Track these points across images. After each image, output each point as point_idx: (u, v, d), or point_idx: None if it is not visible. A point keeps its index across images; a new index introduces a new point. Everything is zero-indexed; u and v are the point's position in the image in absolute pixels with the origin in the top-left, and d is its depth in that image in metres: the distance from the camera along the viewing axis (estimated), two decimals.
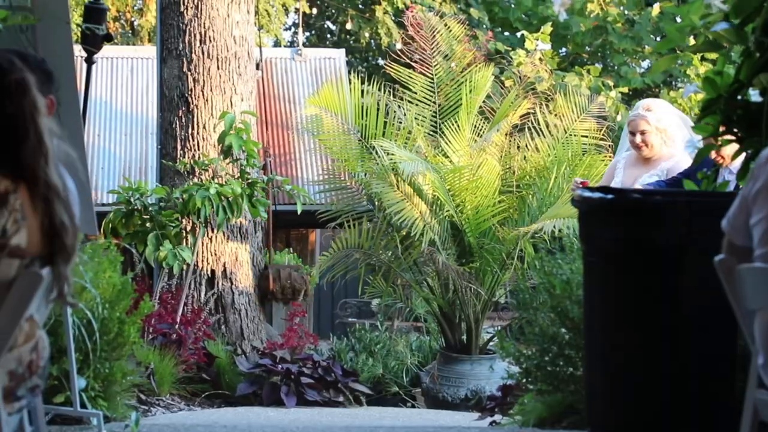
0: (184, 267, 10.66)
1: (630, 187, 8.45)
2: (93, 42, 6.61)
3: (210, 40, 11.28)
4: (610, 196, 5.66)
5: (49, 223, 3.76)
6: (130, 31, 26.18)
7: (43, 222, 3.76)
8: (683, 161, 8.50)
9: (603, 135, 13.09)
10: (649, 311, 5.44)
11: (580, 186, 8.33)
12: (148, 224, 10.22)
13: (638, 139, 8.68)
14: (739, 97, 5.70)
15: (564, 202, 11.15)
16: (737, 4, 5.67)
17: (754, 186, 4.15)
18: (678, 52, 9.12)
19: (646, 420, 5.55)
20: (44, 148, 3.68)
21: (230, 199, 10.61)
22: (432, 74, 13.75)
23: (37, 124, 3.65)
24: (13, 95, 3.24)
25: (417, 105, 13.55)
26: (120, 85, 20.58)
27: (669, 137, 8.72)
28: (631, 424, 5.60)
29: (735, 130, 5.76)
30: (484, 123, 13.35)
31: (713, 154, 7.29)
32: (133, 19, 26.42)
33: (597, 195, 5.67)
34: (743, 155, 6.37)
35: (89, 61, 6.66)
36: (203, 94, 11.45)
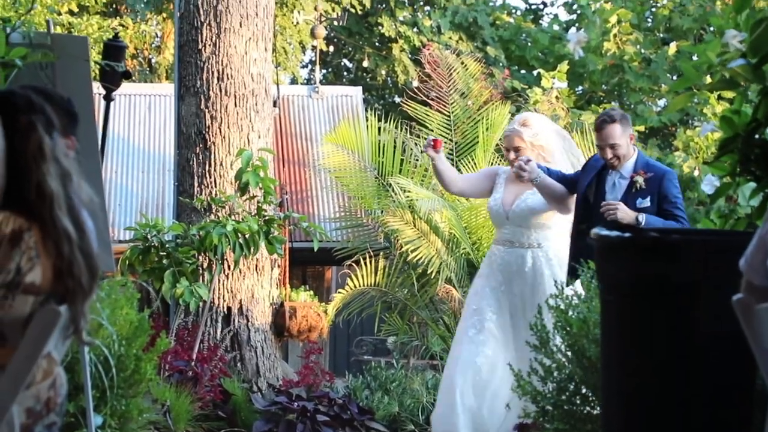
0: (201, 304, 10.64)
1: (510, 203, 8.36)
2: (112, 79, 6.64)
3: (228, 78, 11.32)
4: (627, 235, 5.66)
5: (61, 263, 3.76)
6: (148, 69, 26.27)
7: (56, 262, 3.76)
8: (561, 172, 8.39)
9: None
10: (666, 349, 5.43)
11: (432, 144, 8.24)
12: (164, 261, 10.22)
13: (512, 156, 8.29)
14: (756, 136, 5.70)
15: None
16: (754, 43, 5.68)
17: None
18: (695, 90, 9.11)
19: None
20: (47, 191, 3.68)
21: (247, 236, 10.60)
22: (449, 112, 13.80)
23: (39, 167, 3.65)
24: (21, 135, 3.24)
25: None
26: (137, 122, 20.63)
27: (547, 153, 8.43)
28: None
29: (752, 169, 5.76)
30: (500, 160, 13.36)
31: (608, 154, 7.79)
32: (150, 56, 26.51)
33: (614, 233, 5.68)
34: (635, 157, 7.80)
35: (108, 99, 6.69)
36: (221, 132, 11.47)
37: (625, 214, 7.55)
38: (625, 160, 7.87)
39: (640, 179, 7.73)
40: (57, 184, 3.71)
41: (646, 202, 7.72)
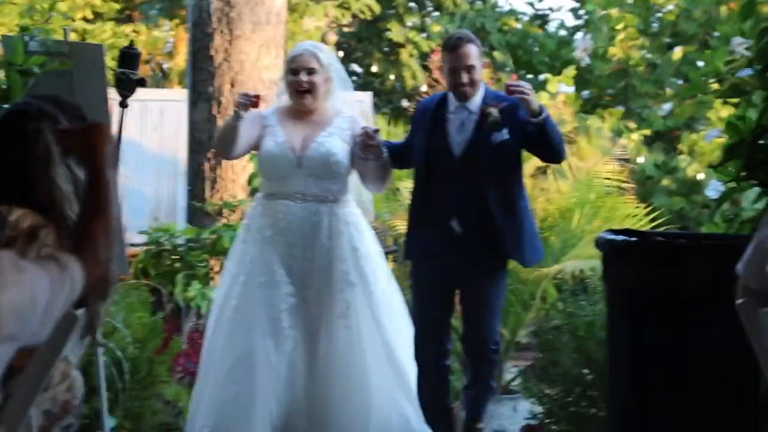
0: (211, 306, 10.68)
1: (301, 147, 6.78)
2: (127, 86, 6.66)
3: (239, 84, 11.31)
4: (634, 239, 5.68)
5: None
6: (161, 74, 26.32)
7: None
8: (358, 118, 7.06)
9: (625, 177, 13.11)
10: (673, 351, 5.45)
11: (254, 100, 6.74)
12: (177, 264, 10.24)
13: (304, 78, 6.75)
14: (761, 142, 5.73)
15: (586, 243, 11.12)
16: (761, 50, 5.71)
17: None
18: (702, 97, 9.12)
19: None
20: (57, 193, 3.71)
21: None
22: None
23: (48, 171, 3.68)
24: (32, 141, 3.29)
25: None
26: (150, 127, 20.65)
27: (330, 91, 6.91)
28: None
29: (758, 174, 5.78)
30: None
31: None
32: (162, 62, 26.56)
33: (621, 237, 5.70)
34: (482, 91, 6.71)
35: (123, 105, 6.70)
36: None
37: (533, 98, 6.38)
38: (477, 90, 6.66)
39: (494, 111, 6.47)
40: (68, 187, 3.74)
41: (503, 135, 6.52)
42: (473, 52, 6.58)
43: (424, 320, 6.77)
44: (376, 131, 6.67)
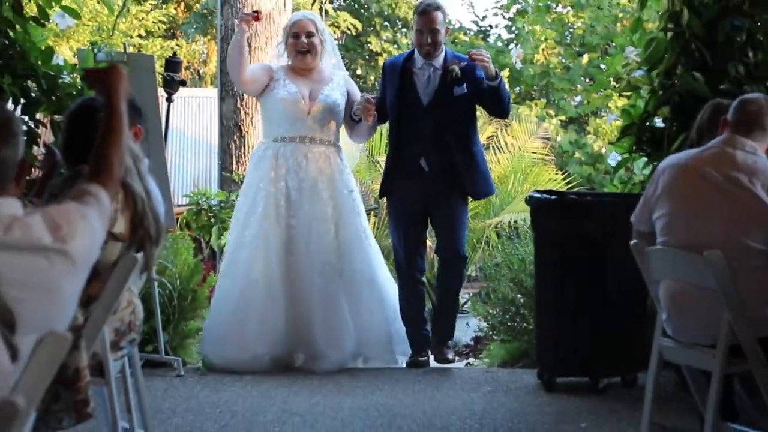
0: None
1: (309, 97, 6.26)
2: (171, 86, 6.65)
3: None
4: (554, 197, 5.70)
5: (135, 217, 3.81)
6: (197, 77, 26.18)
7: (132, 217, 3.81)
8: (350, 80, 6.54)
9: (547, 151, 13.15)
10: (584, 280, 5.48)
11: (255, 15, 6.24)
12: (212, 220, 10.23)
13: (304, 40, 6.24)
14: (647, 124, 5.75)
15: (519, 201, 11.14)
16: (647, 56, 5.72)
17: (656, 190, 4.19)
18: (605, 92, 9.12)
19: (579, 359, 5.59)
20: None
21: None
22: None
23: None
24: (96, 123, 3.24)
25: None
26: (190, 118, 20.60)
27: (325, 51, 6.40)
28: (566, 362, 5.65)
29: (645, 148, 5.80)
30: None
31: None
32: (199, 68, 26.41)
33: (544, 196, 5.72)
34: (444, 51, 6.19)
35: (169, 101, 6.70)
36: (252, 123, 11.43)
37: (491, 64, 6.02)
38: (439, 51, 6.19)
39: (455, 68, 6.05)
40: (130, 161, 3.75)
41: (463, 89, 6.10)
42: (438, 18, 6.10)
43: (402, 243, 6.31)
44: (373, 97, 6.28)
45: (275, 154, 6.23)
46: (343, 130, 6.53)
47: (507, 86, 6.11)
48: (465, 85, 6.07)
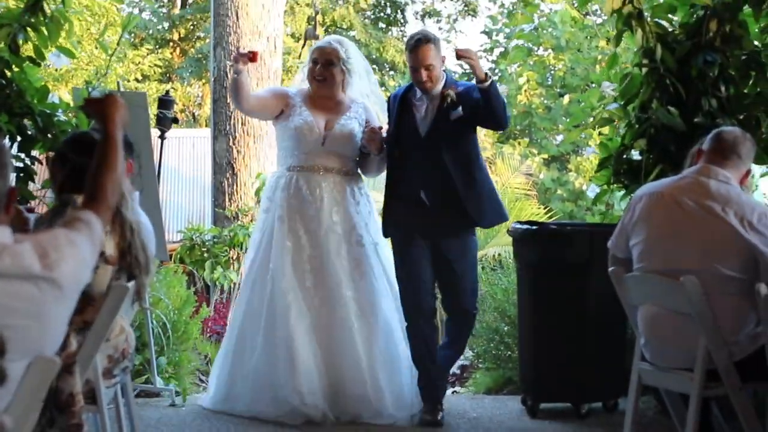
0: (232, 284, 10.63)
1: (325, 126, 5.69)
2: (164, 123, 6.62)
3: (249, 122, 11.28)
4: (534, 227, 5.70)
5: (123, 243, 3.80)
6: (192, 118, 26.24)
7: (120, 242, 3.79)
8: (368, 106, 5.87)
9: (530, 187, 13.18)
10: (565, 309, 5.47)
11: (250, 55, 5.59)
12: (205, 254, 10.24)
13: (321, 68, 5.68)
14: (624, 156, 5.75)
15: (502, 234, 11.14)
16: (622, 90, 5.74)
17: (633, 217, 4.20)
18: (582, 128, 9.13)
19: (561, 385, 5.57)
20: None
21: None
22: None
23: None
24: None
25: None
26: (185, 156, 20.61)
27: (347, 82, 5.77)
28: (549, 388, 5.62)
29: (623, 180, 5.80)
30: None
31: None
32: (194, 110, 26.48)
33: (525, 226, 5.72)
34: (444, 79, 5.46)
35: (162, 138, 6.68)
36: (244, 162, 11.46)
37: (478, 64, 5.28)
38: (438, 83, 5.47)
39: (451, 92, 5.40)
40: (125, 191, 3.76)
41: (459, 112, 5.38)
42: (430, 52, 5.38)
43: (408, 283, 5.52)
44: (380, 128, 5.66)
45: (288, 183, 5.68)
46: None
47: (500, 92, 5.39)
48: (460, 108, 5.40)
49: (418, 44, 5.39)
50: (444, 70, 5.54)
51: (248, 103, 5.70)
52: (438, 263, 5.53)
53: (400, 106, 5.61)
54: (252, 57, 5.63)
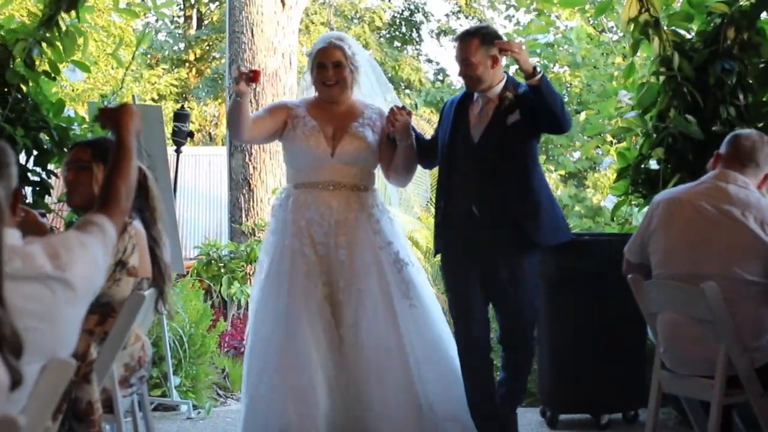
0: (248, 300, 10.67)
1: (333, 137, 4.99)
2: (180, 136, 6.66)
3: None
4: None
5: (152, 253, 3.86)
6: (209, 138, 26.34)
7: (144, 251, 3.83)
8: (384, 110, 5.06)
9: None
10: (583, 318, 5.43)
11: (251, 75, 4.79)
12: (222, 269, 10.27)
13: (330, 73, 4.96)
14: (642, 166, 5.73)
15: None
16: (640, 99, 5.71)
17: (651, 224, 4.17)
18: (599, 138, 9.09)
19: (581, 396, 5.53)
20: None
21: None
22: None
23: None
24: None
25: (420, 185, 13.54)
26: (201, 174, 20.72)
27: (356, 81, 5.08)
28: (568, 399, 5.58)
29: (641, 190, 5.77)
30: None
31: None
32: (210, 130, 26.59)
33: None
34: (503, 82, 4.85)
35: (177, 152, 6.72)
36: (260, 177, 11.51)
37: (524, 56, 4.67)
38: (483, 84, 4.82)
39: (509, 94, 4.79)
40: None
41: (516, 116, 4.76)
42: (471, 46, 4.78)
43: (458, 309, 4.96)
44: (409, 113, 4.97)
45: (295, 202, 4.99)
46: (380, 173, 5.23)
47: (553, 87, 4.77)
48: (518, 111, 4.80)
49: (461, 36, 4.88)
50: (505, 72, 4.95)
51: (249, 131, 4.98)
52: (490, 287, 4.90)
53: (456, 112, 4.99)
54: (254, 77, 4.89)
